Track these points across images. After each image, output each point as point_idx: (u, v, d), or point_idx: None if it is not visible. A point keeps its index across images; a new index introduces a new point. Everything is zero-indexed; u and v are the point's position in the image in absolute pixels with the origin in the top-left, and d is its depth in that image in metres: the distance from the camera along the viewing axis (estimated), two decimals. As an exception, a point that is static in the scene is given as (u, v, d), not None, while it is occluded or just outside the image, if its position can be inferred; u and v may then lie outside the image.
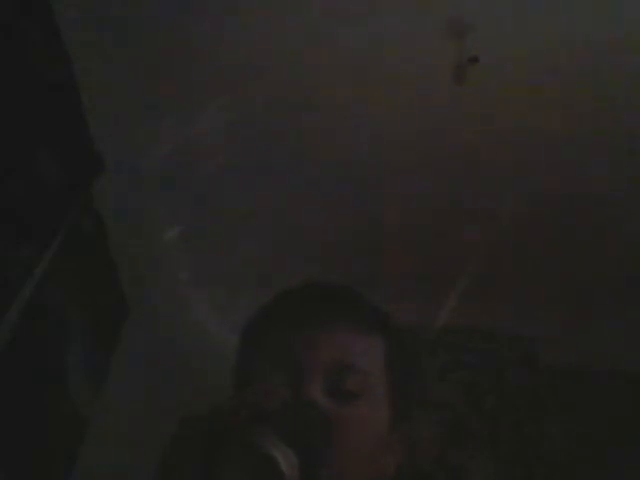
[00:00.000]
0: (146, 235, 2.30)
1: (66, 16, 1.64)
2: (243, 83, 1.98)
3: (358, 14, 1.80)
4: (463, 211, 2.33)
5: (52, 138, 1.71)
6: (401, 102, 2.02)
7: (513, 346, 2.53)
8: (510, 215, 2.29)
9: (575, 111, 2.01)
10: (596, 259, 2.42)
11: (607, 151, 2.11)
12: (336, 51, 1.90)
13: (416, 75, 1.94)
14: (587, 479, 2.35)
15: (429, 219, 2.36)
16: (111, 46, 1.85)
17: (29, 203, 1.60)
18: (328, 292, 0.84)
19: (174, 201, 2.31)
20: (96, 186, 1.90)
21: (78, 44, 1.72)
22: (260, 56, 1.93)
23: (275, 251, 2.44)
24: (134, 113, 2.00)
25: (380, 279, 2.13)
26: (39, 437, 1.67)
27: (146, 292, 2.26)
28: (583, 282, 2.49)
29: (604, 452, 2.37)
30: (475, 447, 2.33)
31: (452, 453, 2.32)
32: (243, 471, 0.58)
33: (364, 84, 1.97)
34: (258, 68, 1.95)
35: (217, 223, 2.35)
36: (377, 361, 0.79)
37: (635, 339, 2.41)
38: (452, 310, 2.45)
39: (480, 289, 2.39)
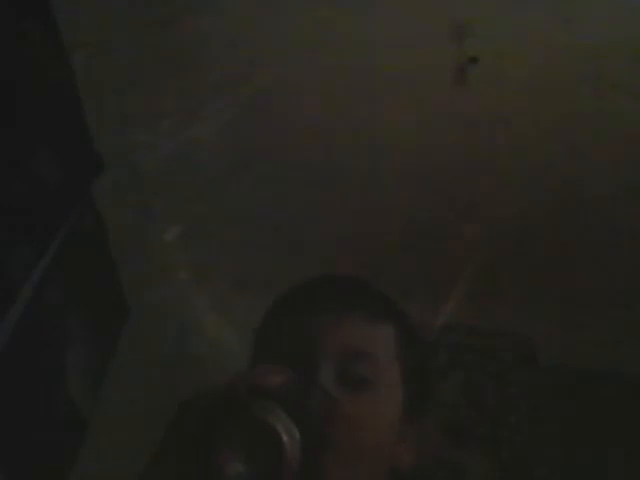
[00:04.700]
0: (146, 235, 2.30)
1: (66, 16, 1.64)
2: (243, 83, 1.98)
3: (358, 14, 1.80)
4: (463, 211, 2.33)
5: (52, 138, 1.70)
6: (401, 102, 2.02)
7: (513, 346, 2.52)
8: (510, 215, 2.29)
9: (575, 111, 2.01)
10: (596, 259, 2.42)
11: (607, 151, 2.11)
12: (336, 51, 1.90)
13: (416, 75, 1.94)
14: (587, 479, 2.35)
15: (429, 219, 2.35)
16: (111, 46, 1.85)
17: (29, 203, 1.60)
18: (342, 281, 0.85)
19: (174, 201, 2.31)
20: (96, 186, 1.90)
21: (78, 44, 1.72)
22: (260, 56, 1.93)
23: (275, 251, 2.44)
24: (134, 113, 2.00)
25: (380, 279, 2.12)
26: (39, 437, 1.67)
27: (146, 292, 2.26)
28: (583, 282, 2.49)
29: (604, 452, 2.37)
30: (475, 447, 2.33)
31: (452, 453, 2.32)
32: (243, 442, 0.57)
33: (364, 84, 1.97)
34: (258, 68, 1.95)
35: (217, 223, 2.35)
36: (390, 348, 0.80)
37: (635, 339, 2.40)
38: (452, 310, 2.45)
39: (480, 289, 2.39)
